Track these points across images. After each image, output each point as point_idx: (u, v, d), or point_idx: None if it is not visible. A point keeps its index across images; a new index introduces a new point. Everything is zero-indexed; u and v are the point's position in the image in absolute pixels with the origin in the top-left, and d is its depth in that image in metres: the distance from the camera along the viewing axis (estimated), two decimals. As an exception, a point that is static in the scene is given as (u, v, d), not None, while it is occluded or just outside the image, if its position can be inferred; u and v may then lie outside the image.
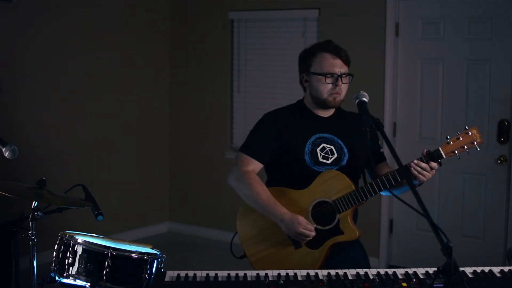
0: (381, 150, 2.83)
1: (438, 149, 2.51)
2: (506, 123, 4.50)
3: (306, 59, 2.76)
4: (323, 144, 2.71)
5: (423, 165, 2.51)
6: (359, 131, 2.67)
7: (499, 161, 4.54)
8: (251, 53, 5.65)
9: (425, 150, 2.54)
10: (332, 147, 2.71)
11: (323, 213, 2.62)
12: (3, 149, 2.56)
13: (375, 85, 4.89)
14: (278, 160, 2.75)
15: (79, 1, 5.20)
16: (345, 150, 2.72)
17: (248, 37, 5.65)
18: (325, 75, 2.66)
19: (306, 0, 5.28)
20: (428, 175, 2.52)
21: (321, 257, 2.60)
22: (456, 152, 2.50)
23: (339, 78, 2.66)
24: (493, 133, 4.54)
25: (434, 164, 2.51)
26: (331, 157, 2.69)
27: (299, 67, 2.83)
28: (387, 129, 4.85)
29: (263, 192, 2.67)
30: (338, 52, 2.68)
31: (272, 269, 2.29)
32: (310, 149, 2.69)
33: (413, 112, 4.89)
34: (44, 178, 2.64)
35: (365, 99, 2.55)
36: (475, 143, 2.49)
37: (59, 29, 5.06)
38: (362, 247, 2.82)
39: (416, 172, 2.51)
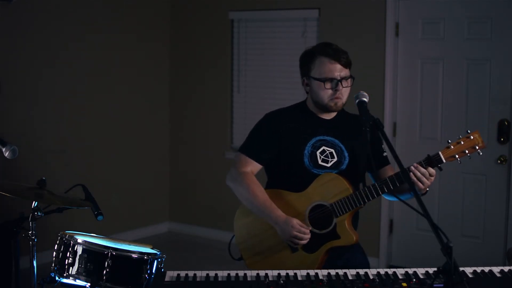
0: (385, 154, 2.76)
1: (438, 153, 2.46)
2: (506, 123, 4.50)
3: (306, 63, 2.71)
4: (324, 147, 2.67)
5: (422, 170, 2.45)
6: (360, 134, 2.66)
7: (499, 161, 4.54)
8: (251, 53, 5.65)
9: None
10: (332, 150, 2.68)
11: (320, 216, 2.59)
12: (3, 149, 2.56)
13: (375, 85, 4.89)
14: (277, 161, 2.72)
15: (79, 1, 5.20)
16: (346, 154, 2.68)
17: (248, 37, 5.65)
18: (324, 80, 2.62)
19: (306, 0, 5.28)
20: (427, 182, 2.46)
21: (318, 261, 2.58)
22: (457, 156, 2.45)
23: (339, 83, 2.62)
24: (493, 133, 4.54)
25: (432, 171, 2.46)
26: (331, 161, 2.67)
27: (300, 70, 2.77)
28: (387, 129, 4.85)
29: (260, 193, 2.65)
30: (337, 56, 2.62)
31: None
32: (309, 152, 2.66)
33: (413, 112, 4.89)
34: (44, 178, 2.64)
35: (365, 99, 2.54)
36: (477, 148, 2.44)
37: (59, 29, 5.06)
38: (362, 249, 2.79)
39: (414, 178, 2.44)
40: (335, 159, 2.67)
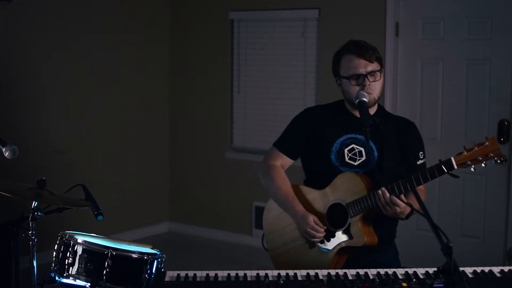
0: (419, 162, 2.68)
1: (450, 159, 2.36)
2: (506, 123, 4.49)
3: (335, 63, 2.70)
4: (353, 145, 2.65)
5: (387, 196, 2.41)
6: (397, 134, 2.63)
7: (499, 161, 4.53)
8: (251, 53, 5.65)
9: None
10: (362, 149, 2.64)
11: (337, 215, 2.60)
12: (3, 149, 2.56)
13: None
14: (309, 157, 2.75)
15: (79, 1, 5.20)
16: (376, 154, 2.63)
17: (248, 37, 5.65)
18: (350, 78, 2.59)
19: (306, 0, 5.28)
20: (391, 210, 2.42)
21: (332, 258, 2.58)
22: (470, 163, 2.33)
23: (365, 78, 2.57)
24: (493, 133, 4.53)
25: (396, 201, 2.40)
26: (359, 159, 2.63)
27: (332, 71, 2.75)
28: (387, 129, 4.84)
29: (284, 187, 2.69)
30: (361, 52, 2.59)
31: (288, 266, 2.28)
32: (337, 149, 2.65)
33: (413, 112, 4.88)
34: (44, 178, 2.64)
35: (365, 99, 2.53)
36: (492, 155, 2.34)
37: (59, 29, 5.06)
38: (396, 250, 2.77)
39: (380, 203, 2.42)
40: (364, 158, 2.64)
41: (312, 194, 2.69)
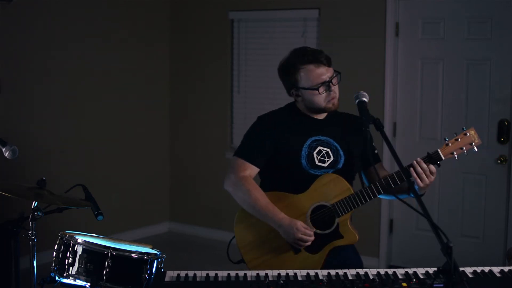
0: (376, 151, 2.78)
1: (437, 151, 2.50)
2: (506, 123, 4.50)
3: (290, 76, 2.67)
4: (320, 147, 2.67)
5: (424, 166, 2.47)
6: (354, 132, 2.68)
7: (499, 161, 4.54)
8: (251, 53, 5.65)
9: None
10: (328, 150, 2.68)
11: (322, 217, 2.59)
12: (3, 149, 2.56)
13: (375, 85, 4.89)
14: (274, 164, 2.71)
15: (78, 1, 5.20)
16: (341, 153, 2.69)
17: (248, 37, 5.65)
18: (317, 88, 2.61)
19: (306, 0, 5.28)
20: (426, 180, 2.47)
21: (321, 261, 2.58)
22: (455, 153, 2.49)
23: (330, 83, 2.62)
24: (493, 133, 4.54)
25: (433, 168, 2.48)
26: (328, 160, 2.67)
27: (284, 83, 2.74)
28: (387, 129, 4.85)
29: (261, 197, 2.63)
30: (318, 59, 2.61)
31: None
32: (306, 153, 2.66)
33: (413, 112, 4.89)
34: (44, 178, 2.65)
35: (365, 99, 2.54)
36: (473, 144, 2.48)
37: (58, 29, 5.06)
38: (355, 248, 2.78)
39: (414, 174, 2.46)
40: (332, 159, 2.67)
41: (290, 199, 2.65)
